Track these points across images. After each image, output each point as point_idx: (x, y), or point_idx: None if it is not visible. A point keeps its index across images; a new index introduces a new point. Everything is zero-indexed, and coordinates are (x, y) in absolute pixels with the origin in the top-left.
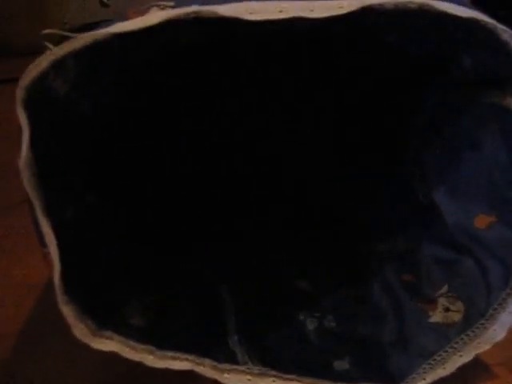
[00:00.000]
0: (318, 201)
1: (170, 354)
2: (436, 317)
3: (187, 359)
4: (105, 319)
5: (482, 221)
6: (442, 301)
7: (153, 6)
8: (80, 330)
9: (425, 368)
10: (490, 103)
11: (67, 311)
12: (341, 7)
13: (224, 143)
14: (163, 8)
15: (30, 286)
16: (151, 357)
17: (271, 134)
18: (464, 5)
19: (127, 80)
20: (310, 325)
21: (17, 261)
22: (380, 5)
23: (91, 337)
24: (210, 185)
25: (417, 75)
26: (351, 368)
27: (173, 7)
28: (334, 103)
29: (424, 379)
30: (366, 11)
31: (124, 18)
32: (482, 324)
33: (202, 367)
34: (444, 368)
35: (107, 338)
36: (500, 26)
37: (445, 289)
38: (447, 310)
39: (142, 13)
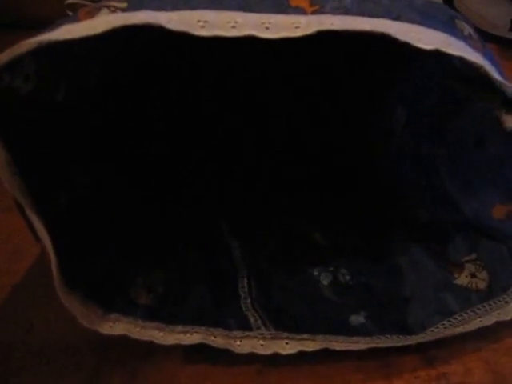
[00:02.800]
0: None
1: (180, 328)
2: (461, 280)
3: (197, 332)
4: (111, 302)
5: (500, 211)
6: (469, 266)
7: (104, 6)
8: (86, 318)
9: (444, 324)
10: (483, 104)
11: (70, 301)
12: (297, 27)
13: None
14: (113, 11)
15: None
16: (161, 334)
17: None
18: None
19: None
20: (324, 280)
21: None
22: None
23: (99, 323)
24: (218, 148)
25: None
26: (367, 322)
27: (124, 10)
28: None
29: (443, 333)
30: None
31: (76, 18)
32: (504, 298)
33: (212, 338)
34: (464, 328)
35: (115, 321)
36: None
37: (473, 256)
38: (473, 275)
39: (92, 14)
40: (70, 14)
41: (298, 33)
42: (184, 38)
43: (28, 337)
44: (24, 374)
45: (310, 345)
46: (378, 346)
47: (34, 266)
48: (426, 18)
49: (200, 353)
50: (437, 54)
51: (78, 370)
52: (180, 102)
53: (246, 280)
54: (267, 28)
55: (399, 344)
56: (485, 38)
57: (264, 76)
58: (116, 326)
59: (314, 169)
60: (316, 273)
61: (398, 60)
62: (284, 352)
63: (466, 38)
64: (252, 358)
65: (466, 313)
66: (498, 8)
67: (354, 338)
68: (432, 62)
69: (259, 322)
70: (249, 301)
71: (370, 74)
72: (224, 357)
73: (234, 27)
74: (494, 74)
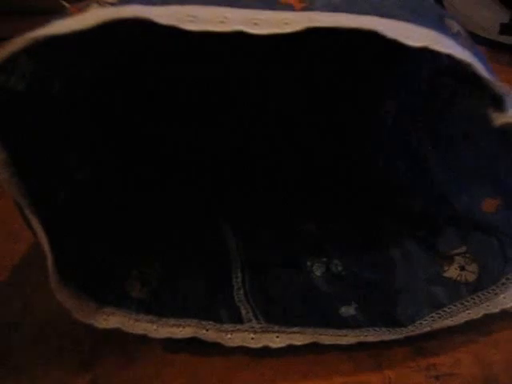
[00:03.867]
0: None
1: (172, 321)
2: (451, 272)
3: (189, 325)
4: (105, 296)
5: (490, 205)
6: (459, 259)
7: (94, 2)
8: (81, 312)
9: (433, 317)
10: (472, 101)
11: (64, 296)
12: (286, 23)
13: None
14: (103, 5)
15: None
16: (154, 327)
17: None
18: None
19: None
20: (317, 270)
21: None
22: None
23: (93, 316)
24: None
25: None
26: (357, 313)
27: (113, 4)
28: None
29: (431, 327)
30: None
31: (67, 14)
32: (493, 290)
33: (204, 331)
34: (452, 320)
35: (109, 314)
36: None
37: (463, 249)
38: (463, 268)
39: (82, 9)
40: (64, 3)
41: (287, 29)
42: (185, 37)
43: (26, 318)
44: (22, 355)
45: (300, 338)
46: (367, 340)
47: (32, 247)
48: (415, 16)
49: (194, 340)
50: (426, 51)
51: (75, 350)
52: (181, 96)
53: (239, 271)
54: (256, 24)
55: (387, 338)
56: (474, 40)
57: (261, 75)
58: (110, 319)
59: (312, 168)
60: (309, 263)
61: (386, 56)
62: (274, 345)
63: (455, 36)
64: (246, 346)
65: (455, 305)
66: (488, 11)
67: (344, 331)
68: (420, 58)
69: (250, 314)
70: (242, 292)
71: (359, 70)
72: (218, 344)
73: (222, 22)
74: (482, 72)
